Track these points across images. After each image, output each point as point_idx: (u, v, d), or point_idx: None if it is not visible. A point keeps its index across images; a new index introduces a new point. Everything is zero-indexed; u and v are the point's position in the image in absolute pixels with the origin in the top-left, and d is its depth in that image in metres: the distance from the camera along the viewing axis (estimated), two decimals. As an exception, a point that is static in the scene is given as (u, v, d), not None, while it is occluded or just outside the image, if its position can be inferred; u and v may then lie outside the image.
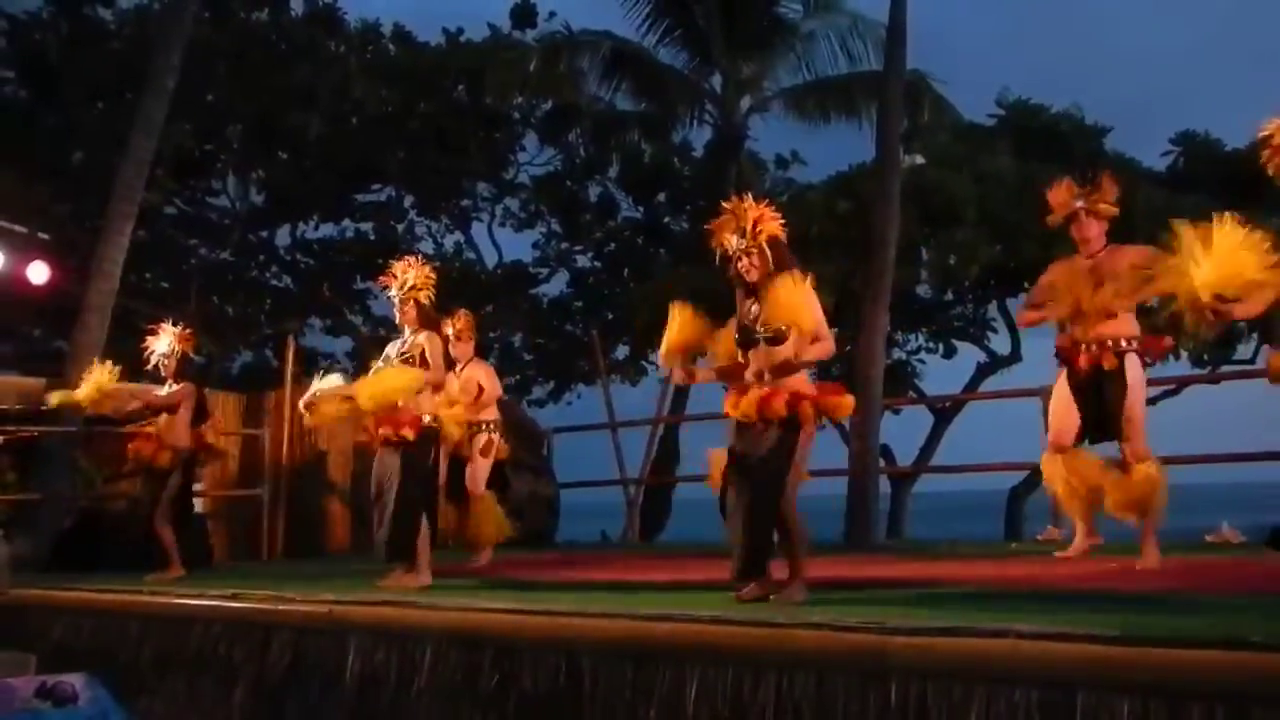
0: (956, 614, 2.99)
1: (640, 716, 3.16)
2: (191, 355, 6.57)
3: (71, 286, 9.06)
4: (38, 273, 8.62)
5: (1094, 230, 4.63)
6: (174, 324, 6.51)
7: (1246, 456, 6.76)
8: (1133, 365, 4.49)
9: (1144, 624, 2.68)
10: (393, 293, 5.25)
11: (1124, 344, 4.50)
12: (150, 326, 6.58)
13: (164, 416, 6.35)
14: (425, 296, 5.22)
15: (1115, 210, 4.66)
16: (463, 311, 6.64)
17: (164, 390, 6.44)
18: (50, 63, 13.03)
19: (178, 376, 6.36)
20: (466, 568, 6.08)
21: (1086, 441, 4.69)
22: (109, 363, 6.48)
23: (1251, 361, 11.60)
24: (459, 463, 6.38)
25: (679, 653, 3.13)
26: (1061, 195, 4.72)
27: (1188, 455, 6.60)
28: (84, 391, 6.35)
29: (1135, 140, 12.96)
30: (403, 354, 5.14)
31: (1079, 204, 4.64)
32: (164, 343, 6.41)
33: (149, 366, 6.48)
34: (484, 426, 6.47)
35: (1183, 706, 2.33)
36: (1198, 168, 11.67)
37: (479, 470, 6.48)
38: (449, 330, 6.18)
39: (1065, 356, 4.65)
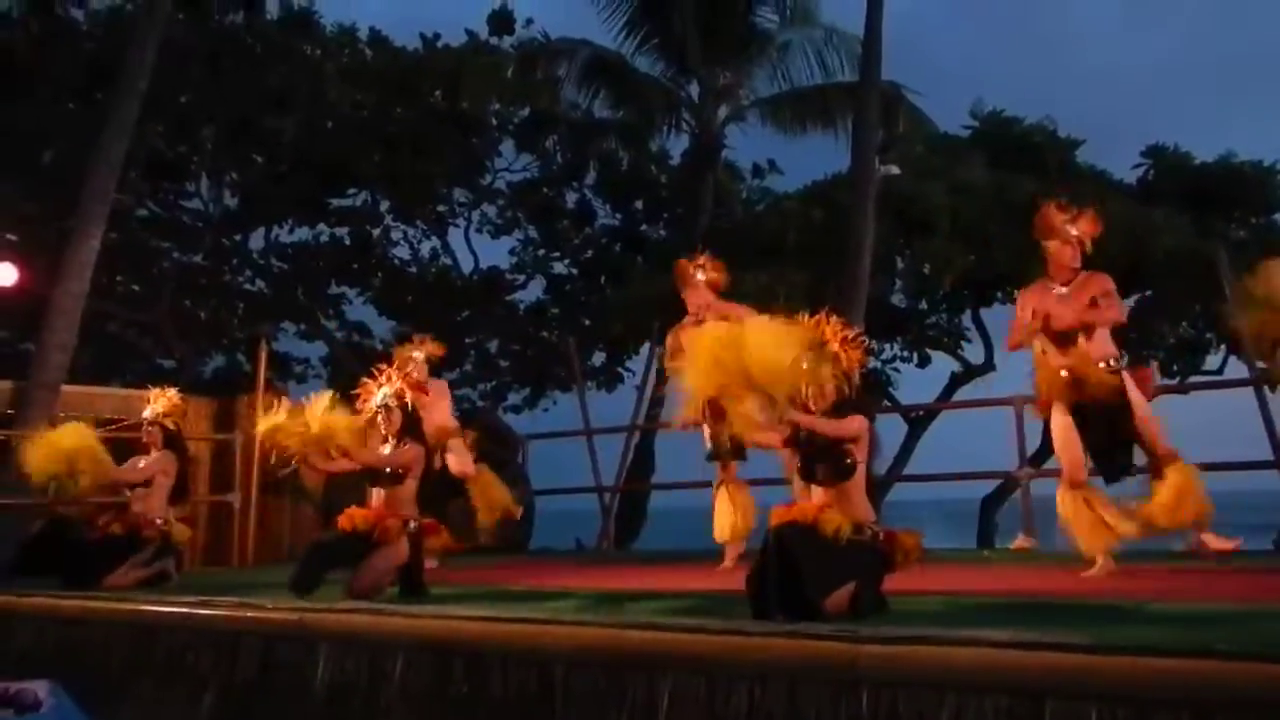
0: (928, 622, 3.01)
1: (613, 725, 3.15)
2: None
3: (40, 288, 8.94)
4: (6, 274, 8.53)
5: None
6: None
7: (1218, 466, 6.80)
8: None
9: (1112, 632, 2.70)
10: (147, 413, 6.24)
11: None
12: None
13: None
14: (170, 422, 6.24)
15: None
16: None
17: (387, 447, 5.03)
18: (20, 61, 12.85)
19: (402, 434, 5.00)
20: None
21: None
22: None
23: (1219, 372, 11.76)
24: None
25: (652, 661, 3.12)
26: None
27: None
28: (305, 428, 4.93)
29: (1106, 154, 13.13)
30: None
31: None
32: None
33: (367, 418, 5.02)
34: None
35: (1150, 714, 2.35)
36: (1167, 180, 11.84)
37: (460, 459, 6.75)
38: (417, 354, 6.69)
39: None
